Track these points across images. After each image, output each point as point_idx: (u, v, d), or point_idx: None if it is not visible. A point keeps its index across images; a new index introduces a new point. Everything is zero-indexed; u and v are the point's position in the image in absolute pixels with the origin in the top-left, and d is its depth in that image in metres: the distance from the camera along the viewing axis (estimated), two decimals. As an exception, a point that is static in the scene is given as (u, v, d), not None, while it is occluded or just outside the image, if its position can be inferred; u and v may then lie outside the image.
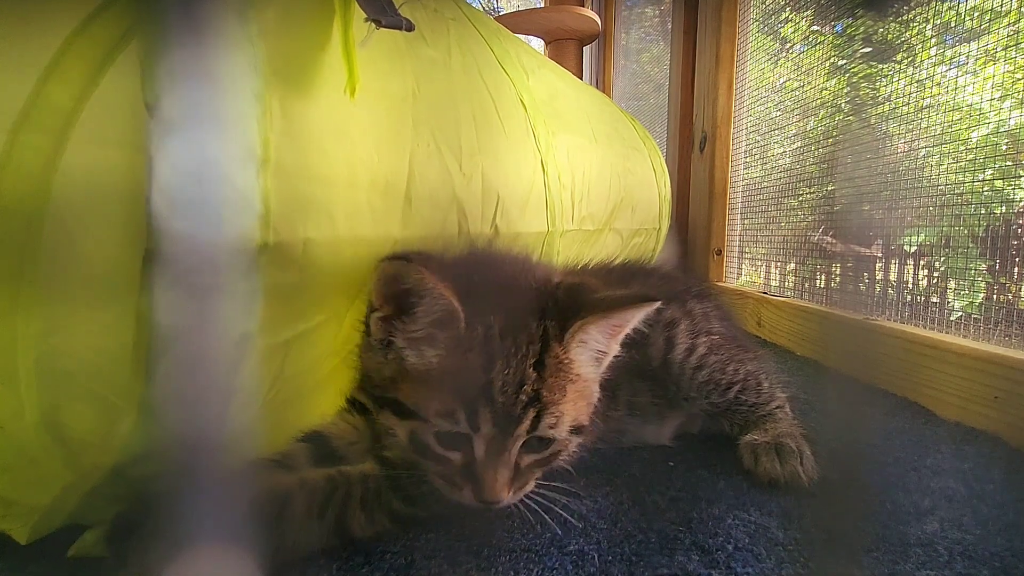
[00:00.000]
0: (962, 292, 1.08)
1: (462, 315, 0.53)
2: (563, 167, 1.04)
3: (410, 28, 0.57)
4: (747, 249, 1.91)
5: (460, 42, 0.85)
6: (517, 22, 2.75)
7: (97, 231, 0.50)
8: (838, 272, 1.42)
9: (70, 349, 0.62)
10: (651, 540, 0.58)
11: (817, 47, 1.49)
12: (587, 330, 0.57)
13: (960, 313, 1.06)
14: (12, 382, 0.60)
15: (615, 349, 0.61)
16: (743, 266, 1.93)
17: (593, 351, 0.59)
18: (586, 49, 3.00)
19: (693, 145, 2.12)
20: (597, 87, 3.29)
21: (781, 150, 1.75)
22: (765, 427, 0.76)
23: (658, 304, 0.58)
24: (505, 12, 3.20)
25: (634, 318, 0.58)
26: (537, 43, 2.99)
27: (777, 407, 0.80)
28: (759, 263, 1.86)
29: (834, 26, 1.38)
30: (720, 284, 1.93)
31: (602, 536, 0.59)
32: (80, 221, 0.50)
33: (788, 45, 1.69)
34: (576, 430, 0.58)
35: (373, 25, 0.55)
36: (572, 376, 0.57)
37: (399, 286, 0.53)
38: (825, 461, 0.71)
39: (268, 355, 0.57)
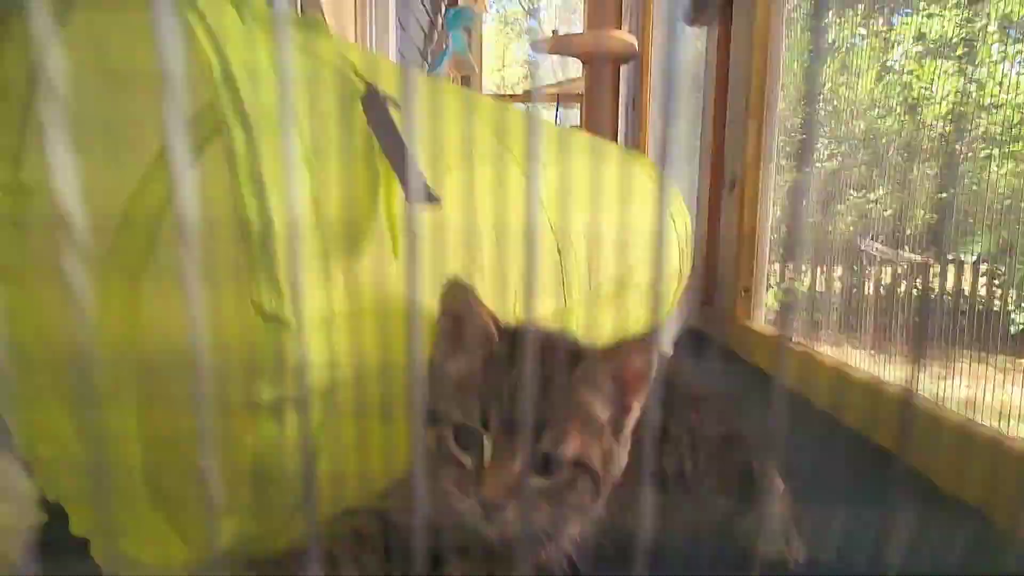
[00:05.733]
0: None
1: (496, 336, 0.60)
2: (578, 244, 1.02)
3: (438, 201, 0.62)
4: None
5: (482, 161, 0.86)
6: (560, 45, 2.90)
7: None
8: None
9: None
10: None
11: (864, 47, 1.42)
12: (590, 368, 0.59)
13: (1021, 326, 0.95)
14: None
15: (633, 405, 0.61)
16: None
17: (603, 393, 0.60)
18: (623, 68, 3.06)
19: (724, 185, 2.07)
20: (632, 107, 3.31)
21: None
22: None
23: (649, 350, 0.58)
24: (549, 36, 3.30)
25: (631, 362, 0.59)
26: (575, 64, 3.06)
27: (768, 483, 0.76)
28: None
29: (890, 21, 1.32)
30: (745, 324, 1.83)
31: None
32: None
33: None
34: (582, 467, 0.57)
35: None
36: (575, 403, 0.58)
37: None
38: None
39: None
